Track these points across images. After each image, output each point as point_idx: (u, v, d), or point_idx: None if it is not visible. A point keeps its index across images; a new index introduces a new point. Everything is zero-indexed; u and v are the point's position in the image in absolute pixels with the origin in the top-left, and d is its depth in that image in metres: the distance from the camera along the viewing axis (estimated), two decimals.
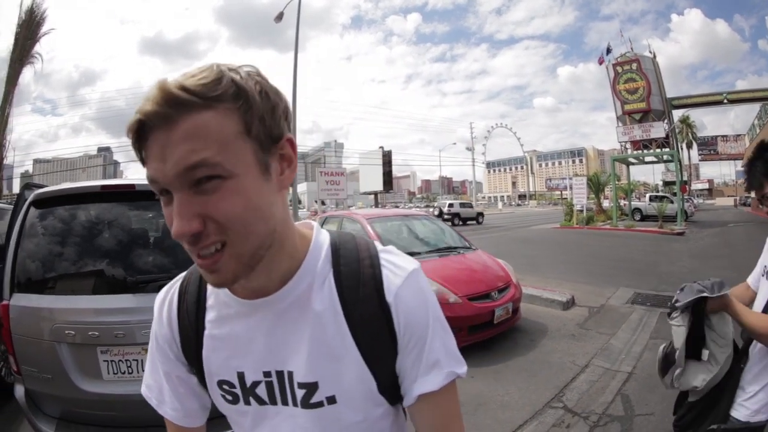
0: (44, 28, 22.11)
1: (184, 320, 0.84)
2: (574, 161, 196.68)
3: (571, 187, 25.42)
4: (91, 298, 2.57)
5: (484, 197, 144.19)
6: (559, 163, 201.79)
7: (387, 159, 33.06)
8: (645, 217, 27.77)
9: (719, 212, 40.12)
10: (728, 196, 76.73)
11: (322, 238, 0.82)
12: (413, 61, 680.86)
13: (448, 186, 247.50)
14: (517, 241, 17.78)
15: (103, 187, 2.75)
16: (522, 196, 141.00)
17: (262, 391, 0.80)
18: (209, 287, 0.82)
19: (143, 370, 2.68)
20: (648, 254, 13.27)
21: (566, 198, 34.46)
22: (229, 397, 0.83)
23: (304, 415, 0.79)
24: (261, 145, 0.65)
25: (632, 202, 30.31)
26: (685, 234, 19.70)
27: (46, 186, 2.94)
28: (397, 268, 0.78)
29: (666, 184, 47.97)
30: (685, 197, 28.88)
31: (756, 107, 33.99)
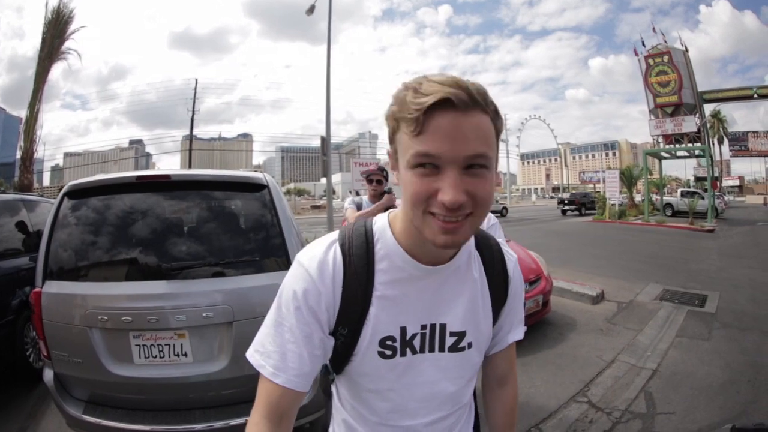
0: (73, 26, 22.56)
1: (353, 281, 0.90)
2: (607, 154, 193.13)
3: (604, 180, 24.99)
4: (124, 284, 2.58)
5: (518, 189, 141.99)
6: (593, 156, 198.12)
7: None
8: (676, 213, 27.17)
9: (749, 210, 39.02)
10: (758, 194, 74.02)
11: None
12: (446, 52, 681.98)
13: None
14: (550, 234, 17.69)
15: (139, 177, 2.75)
16: (556, 189, 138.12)
17: (417, 341, 0.94)
18: (379, 252, 0.93)
19: (174, 355, 2.67)
20: (678, 250, 13.04)
21: (599, 192, 33.71)
22: (389, 352, 0.93)
23: (447, 358, 0.97)
24: (497, 148, 0.82)
25: (664, 197, 29.66)
26: (715, 231, 19.26)
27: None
28: (510, 255, 1.07)
29: (698, 179, 46.78)
30: (716, 194, 28.16)
31: None
